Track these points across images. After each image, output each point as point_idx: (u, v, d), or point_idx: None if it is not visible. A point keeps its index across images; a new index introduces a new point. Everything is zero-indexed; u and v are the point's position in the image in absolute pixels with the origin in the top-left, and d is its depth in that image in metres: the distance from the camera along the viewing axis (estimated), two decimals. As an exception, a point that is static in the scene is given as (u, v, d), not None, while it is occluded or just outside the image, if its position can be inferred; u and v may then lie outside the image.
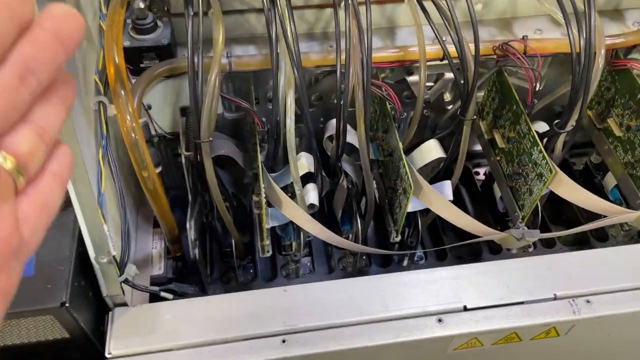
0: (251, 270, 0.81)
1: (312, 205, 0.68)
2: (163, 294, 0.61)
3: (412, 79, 0.76)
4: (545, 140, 0.71)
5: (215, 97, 0.56)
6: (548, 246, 0.85)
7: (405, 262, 0.83)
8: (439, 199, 0.64)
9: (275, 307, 0.56)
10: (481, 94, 0.83)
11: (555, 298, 0.58)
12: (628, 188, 0.76)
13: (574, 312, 0.57)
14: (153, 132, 0.70)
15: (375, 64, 0.70)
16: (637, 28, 0.76)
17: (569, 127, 0.66)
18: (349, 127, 0.76)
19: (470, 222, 0.64)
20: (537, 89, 0.84)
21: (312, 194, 0.68)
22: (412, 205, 0.66)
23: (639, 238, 0.87)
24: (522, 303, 0.58)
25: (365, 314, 0.56)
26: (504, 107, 0.75)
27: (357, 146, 0.67)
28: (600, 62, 0.62)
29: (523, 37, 0.71)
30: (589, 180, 0.92)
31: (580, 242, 0.86)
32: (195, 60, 0.56)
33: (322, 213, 0.84)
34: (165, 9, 0.68)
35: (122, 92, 0.53)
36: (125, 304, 0.56)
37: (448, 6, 0.63)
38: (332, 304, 0.57)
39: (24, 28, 0.20)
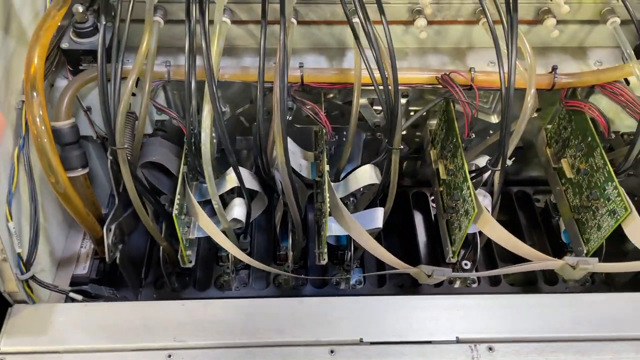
0: (187, 278, 0.82)
1: (235, 220, 0.68)
2: (72, 294, 0.62)
3: (362, 101, 0.75)
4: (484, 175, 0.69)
5: (127, 102, 0.56)
6: (493, 284, 0.83)
7: (342, 285, 0.82)
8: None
9: (169, 321, 0.56)
10: (434, 121, 0.81)
11: (457, 341, 0.56)
12: (572, 233, 0.73)
13: (472, 358, 0.55)
14: (89, 133, 0.71)
15: (316, 84, 0.69)
16: (596, 68, 0.73)
17: (502, 165, 0.64)
18: (294, 146, 0.75)
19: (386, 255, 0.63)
20: (493, 121, 0.82)
21: (237, 209, 0.68)
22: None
23: (590, 284, 0.84)
24: (421, 342, 0.56)
25: (258, 336, 0.55)
26: (447, 138, 0.73)
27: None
28: (529, 101, 0.60)
29: (470, 69, 0.70)
30: (547, 219, 0.89)
31: (529, 283, 0.84)
32: (118, 66, 0.57)
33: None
34: (112, 14, 0.69)
35: (35, 95, 0.54)
36: (24, 302, 0.57)
37: (386, 35, 0.61)
38: (228, 323, 0.56)
39: None
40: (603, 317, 0.58)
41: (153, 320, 0.56)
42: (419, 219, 0.92)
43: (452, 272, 0.62)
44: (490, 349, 0.56)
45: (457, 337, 0.56)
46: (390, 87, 0.61)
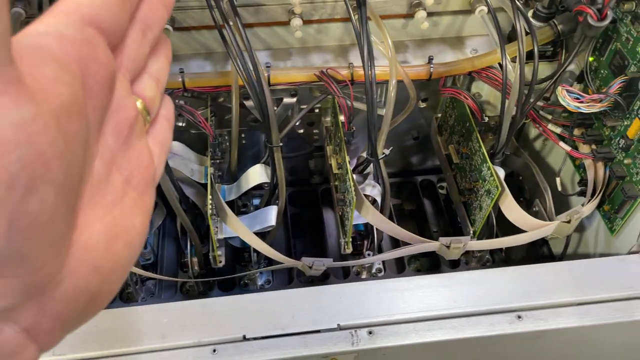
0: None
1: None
2: None
3: (248, 103, 0.76)
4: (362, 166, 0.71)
5: None
6: (399, 272, 0.85)
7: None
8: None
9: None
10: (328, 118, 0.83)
11: (339, 328, 0.58)
12: (461, 215, 0.76)
13: (352, 344, 0.56)
14: None
15: (198, 88, 0.70)
16: (472, 55, 0.76)
17: (380, 155, 0.66)
18: (186, 152, 0.76)
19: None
20: (390, 113, 0.84)
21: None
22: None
23: (491, 264, 0.87)
24: (304, 333, 0.57)
25: (137, 343, 0.55)
26: (336, 133, 0.75)
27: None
28: (392, 91, 0.62)
29: (349, 64, 0.72)
30: (449, 205, 0.92)
31: (434, 268, 0.86)
32: None
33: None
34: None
35: None
36: None
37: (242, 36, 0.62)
38: (108, 332, 0.56)
39: None
40: (479, 292, 0.60)
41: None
42: (328, 215, 0.94)
43: (333, 262, 0.64)
44: (370, 332, 0.57)
45: (338, 325, 0.58)
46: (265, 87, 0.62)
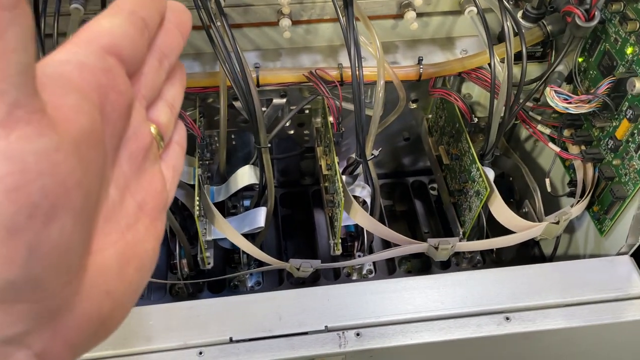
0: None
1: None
2: None
3: (237, 104, 0.76)
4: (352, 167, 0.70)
5: None
6: (390, 273, 0.85)
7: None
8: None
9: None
10: (318, 119, 0.83)
11: (327, 330, 0.57)
12: (451, 216, 0.76)
13: (339, 345, 0.56)
14: None
15: (187, 89, 0.69)
16: (462, 56, 0.76)
17: (369, 156, 0.66)
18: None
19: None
20: (379, 114, 0.84)
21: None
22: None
23: (482, 264, 0.87)
24: (291, 335, 0.57)
25: (123, 345, 0.55)
26: (326, 135, 0.75)
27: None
28: (380, 92, 0.62)
29: (338, 65, 0.71)
30: (441, 207, 0.92)
31: (425, 269, 0.86)
32: None
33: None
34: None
35: None
36: None
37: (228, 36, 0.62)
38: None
39: (162, 18, 0.24)
40: (467, 294, 0.60)
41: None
42: (319, 216, 0.94)
43: (322, 263, 0.63)
44: (357, 334, 0.57)
45: (325, 326, 0.57)
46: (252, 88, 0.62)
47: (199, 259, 0.69)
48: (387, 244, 0.89)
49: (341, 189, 0.63)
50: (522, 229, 0.64)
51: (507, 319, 0.58)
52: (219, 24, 0.63)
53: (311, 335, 0.57)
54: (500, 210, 0.65)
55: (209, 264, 0.69)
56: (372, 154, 0.67)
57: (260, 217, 0.70)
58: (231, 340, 0.56)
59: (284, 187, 0.95)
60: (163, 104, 0.26)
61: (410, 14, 0.71)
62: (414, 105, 0.82)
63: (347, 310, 0.59)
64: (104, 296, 0.21)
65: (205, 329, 0.57)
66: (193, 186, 0.75)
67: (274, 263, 0.63)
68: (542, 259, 0.84)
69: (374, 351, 0.57)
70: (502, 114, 0.66)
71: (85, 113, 0.19)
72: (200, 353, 0.55)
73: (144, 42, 0.23)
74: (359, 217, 0.64)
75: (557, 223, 0.64)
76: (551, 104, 0.63)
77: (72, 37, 0.21)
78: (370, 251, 0.83)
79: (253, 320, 0.58)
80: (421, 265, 0.87)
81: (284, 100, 0.78)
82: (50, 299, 0.18)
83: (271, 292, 0.59)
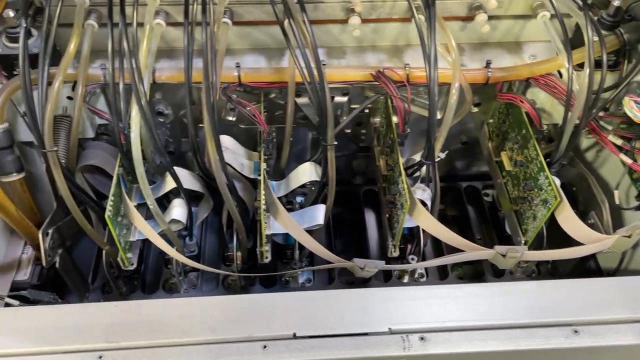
0: (135, 282, 0.81)
1: (175, 221, 0.68)
2: (8, 300, 0.62)
3: (300, 100, 0.76)
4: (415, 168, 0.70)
5: (54, 105, 0.57)
6: (441, 278, 0.84)
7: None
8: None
9: (101, 323, 0.56)
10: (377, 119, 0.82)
11: (390, 332, 0.57)
12: (512, 224, 0.75)
13: (403, 349, 0.55)
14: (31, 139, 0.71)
15: (253, 84, 0.70)
16: (530, 61, 0.74)
17: (437, 158, 0.65)
18: (236, 146, 0.76)
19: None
20: (438, 116, 0.83)
21: (176, 209, 0.68)
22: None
23: (537, 275, 0.85)
24: (353, 335, 0.56)
25: (188, 334, 0.55)
26: (387, 134, 0.74)
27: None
28: (454, 94, 0.61)
29: (405, 65, 0.71)
30: (495, 213, 0.90)
31: (477, 276, 0.85)
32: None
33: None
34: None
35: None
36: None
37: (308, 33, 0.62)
38: (160, 323, 0.56)
39: None
40: (533, 304, 0.58)
41: (84, 322, 0.56)
42: (370, 216, 0.93)
43: (385, 264, 0.63)
44: (422, 338, 0.56)
45: (389, 329, 0.57)
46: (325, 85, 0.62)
47: (257, 252, 0.69)
48: (438, 248, 0.88)
49: (407, 191, 0.63)
50: (591, 241, 0.63)
51: (576, 332, 0.57)
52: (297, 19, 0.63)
53: (374, 336, 0.57)
54: (569, 221, 0.63)
55: (267, 258, 0.69)
56: (439, 156, 0.66)
57: (320, 214, 0.70)
58: (295, 336, 0.56)
59: (336, 186, 0.94)
60: None
61: (482, 16, 0.70)
62: (475, 109, 0.81)
63: (410, 314, 0.58)
64: None
65: (268, 324, 0.57)
66: (251, 180, 0.75)
67: (337, 261, 0.63)
68: (598, 272, 0.82)
69: (437, 357, 0.56)
70: (575, 122, 0.64)
71: None
72: (265, 347, 0.55)
73: None
74: (423, 220, 0.64)
75: (629, 237, 0.62)
76: (629, 114, 0.61)
77: None
78: (422, 255, 0.82)
79: (315, 317, 0.57)
80: (473, 271, 0.86)
81: (346, 98, 0.78)
82: None
83: (331, 291, 0.59)
